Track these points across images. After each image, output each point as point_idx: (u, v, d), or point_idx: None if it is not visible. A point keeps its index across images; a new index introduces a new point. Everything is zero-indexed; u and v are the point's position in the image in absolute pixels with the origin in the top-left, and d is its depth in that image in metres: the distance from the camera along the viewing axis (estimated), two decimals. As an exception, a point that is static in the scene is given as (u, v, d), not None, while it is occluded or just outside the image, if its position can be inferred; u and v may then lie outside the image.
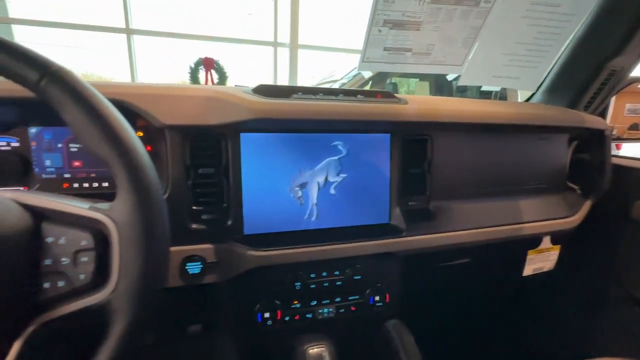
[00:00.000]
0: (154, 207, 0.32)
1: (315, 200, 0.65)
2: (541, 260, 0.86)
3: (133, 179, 0.32)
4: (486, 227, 0.72)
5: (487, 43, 0.86)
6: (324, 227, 0.66)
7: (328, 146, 0.65)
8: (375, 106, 0.61)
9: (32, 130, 0.61)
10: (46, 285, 0.31)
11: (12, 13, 3.72)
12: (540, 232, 0.78)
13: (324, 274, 0.64)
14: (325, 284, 0.64)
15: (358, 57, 0.80)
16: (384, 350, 0.65)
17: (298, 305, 0.64)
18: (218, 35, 4.19)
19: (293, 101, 0.57)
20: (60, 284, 0.31)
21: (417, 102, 0.65)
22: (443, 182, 0.71)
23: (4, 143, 0.60)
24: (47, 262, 0.31)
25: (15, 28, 3.71)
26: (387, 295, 0.67)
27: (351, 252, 0.63)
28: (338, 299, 0.66)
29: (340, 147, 0.65)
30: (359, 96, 0.63)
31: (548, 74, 0.94)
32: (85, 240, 0.31)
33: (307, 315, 0.64)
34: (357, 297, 0.67)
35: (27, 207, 0.31)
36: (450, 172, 0.71)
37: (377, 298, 0.67)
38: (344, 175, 0.66)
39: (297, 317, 0.64)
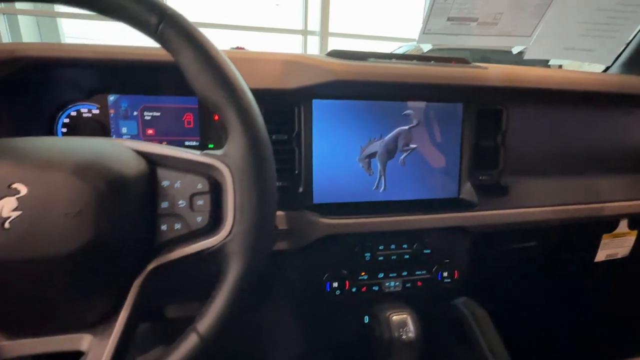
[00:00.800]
0: (265, 149, 0.32)
1: (383, 171, 0.63)
2: (616, 246, 0.80)
3: (246, 122, 0.31)
4: (562, 206, 0.68)
5: (561, 10, 0.80)
6: (392, 199, 0.64)
7: (399, 115, 0.63)
8: (454, 70, 0.58)
9: (111, 98, 0.63)
10: (163, 227, 0.31)
11: None
12: (619, 213, 0.73)
13: (393, 246, 0.63)
14: (393, 257, 0.63)
15: (389, 44, 0.76)
16: (453, 326, 0.63)
17: (365, 277, 0.63)
18: (249, 24, 4.21)
19: (370, 63, 0.55)
20: (177, 226, 0.31)
21: (497, 67, 0.61)
22: (517, 156, 0.67)
23: (86, 110, 0.62)
24: (164, 205, 0.31)
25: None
26: (456, 272, 0.65)
27: (421, 225, 0.61)
28: (405, 273, 0.65)
29: (411, 117, 0.63)
30: (432, 62, 0.61)
31: (627, 45, 0.87)
32: (200, 184, 0.31)
33: (374, 288, 0.63)
34: (424, 272, 0.65)
35: (141, 153, 0.32)
36: (525, 146, 0.67)
37: (445, 274, 0.65)
38: (414, 146, 0.64)
39: (364, 289, 0.63)
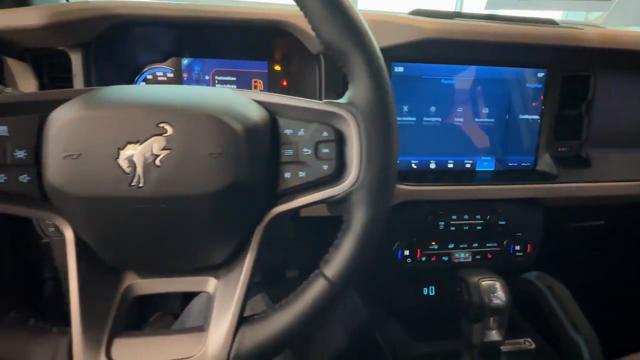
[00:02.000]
0: (391, 95, 0.31)
1: (459, 138, 0.61)
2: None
3: (373, 68, 0.30)
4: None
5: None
6: (466, 168, 0.63)
7: (479, 80, 0.60)
8: (547, 30, 0.54)
9: (185, 61, 0.63)
10: (287, 175, 0.31)
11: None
12: None
13: (465, 216, 0.61)
14: (465, 228, 0.62)
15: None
16: (524, 300, 0.62)
17: (435, 247, 0.62)
18: None
19: (458, 21, 0.52)
20: (302, 174, 0.31)
21: (591, 28, 0.57)
22: (601, 127, 0.63)
23: (161, 73, 0.63)
24: (288, 153, 0.31)
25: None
26: (529, 246, 0.63)
27: (497, 195, 0.59)
28: (476, 245, 0.63)
29: (490, 82, 0.60)
30: (520, 22, 0.57)
31: None
32: (325, 132, 0.31)
33: (444, 258, 0.63)
34: (494, 244, 0.64)
35: (261, 103, 0.31)
36: (611, 116, 0.63)
37: (517, 247, 0.63)
38: (491, 113, 0.61)
39: (433, 259, 0.62)
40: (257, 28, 0.55)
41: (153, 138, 0.26)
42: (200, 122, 0.27)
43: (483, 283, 0.44)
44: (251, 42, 0.61)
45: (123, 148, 0.26)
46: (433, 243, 0.62)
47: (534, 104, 0.62)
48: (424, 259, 0.62)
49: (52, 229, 0.55)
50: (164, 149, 0.26)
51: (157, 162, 0.26)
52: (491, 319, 0.44)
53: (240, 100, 0.30)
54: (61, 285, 0.73)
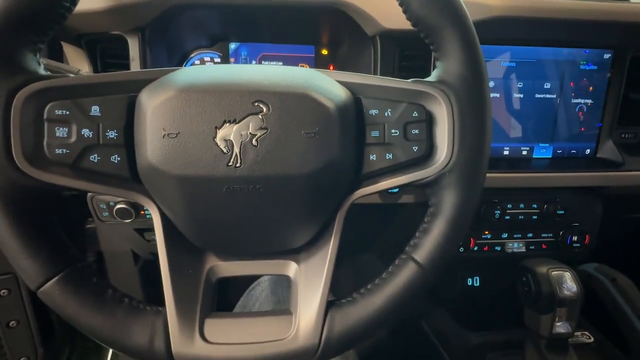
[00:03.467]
0: (485, 73, 0.29)
1: (516, 123, 0.59)
2: None
3: (468, 44, 0.29)
4: None
5: None
6: (522, 155, 0.60)
7: (538, 63, 0.57)
8: (622, 5, 0.51)
9: (232, 45, 0.62)
10: (372, 157, 0.30)
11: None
12: None
13: (521, 205, 0.59)
14: (520, 217, 0.59)
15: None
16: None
17: (489, 236, 0.60)
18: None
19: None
20: (388, 156, 0.30)
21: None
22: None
23: (209, 58, 0.62)
24: (374, 134, 0.30)
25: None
26: (587, 237, 0.61)
27: (557, 183, 0.57)
28: (530, 235, 0.61)
29: (550, 65, 0.57)
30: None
31: None
32: (415, 112, 0.29)
33: (496, 248, 0.61)
34: (550, 234, 0.61)
35: (344, 83, 0.30)
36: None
37: (574, 238, 0.61)
38: (550, 97, 0.58)
39: (485, 249, 0.61)
40: (307, 9, 0.54)
41: (250, 117, 0.25)
42: (295, 100, 0.26)
43: (553, 273, 0.42)
44: (298, 25, 0.59)
45: (221, 127, 0.25)
46: (486, 232, 0.60)
47: (593, 87, 0.59)
48: (476, 248, 0.60)
49: (107, 213, 0.56)
50: (260, 128, 0.25)
51: (254, 141, 0.25)
52: (560, 309, 0.42)
53: (326, 79, 0.29)
54: (105, 271, 0.74)
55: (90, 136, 0.26)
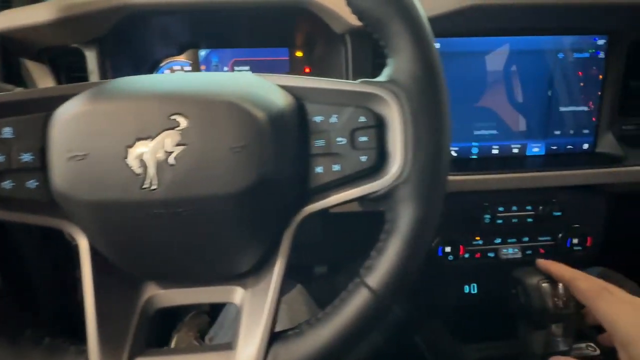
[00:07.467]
0: (440, 69, 0.26)
1: (504, 119, 0.55)
2: None
3: (419, 37, 0.25)
4: None
5: None
6: (513, 153, 0.56)
7: (526, 53, 0.53)
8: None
9: (202, 53, 0.60)
10: (318, 169, 0.27)
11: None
12: None
13: (514, 208, 0.55)
14: (514, 220, 0.55)
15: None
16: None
17: (480, 242, 0.56)
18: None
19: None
20: (336, 167, 0.26)
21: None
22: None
23: (179, 67, 0.60)
24: (319, 143, 0.27)
25: None
26: (589, 239, 0.56)
27: (553, 182, 0.53)
28: (526, 239, 0.57)
29: (539, 55, 0.53)
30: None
31: None
32: (363, 117, 0.26)
33: (489, 254, 0.57)
34: (548, 238, 0.57)
35: (286, 88, 0.27)
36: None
37: (575, 241, 0.56)
38: (541, 89, 0.54)
39: (477, 255, 0.57)
40: (276, 10, 0.51)
41: (165, 133, 0.23)
42: (218, 111, 0.23)
43: (544, 285, 0.38)
44: (270, 28, 0.57)
45: (132, 146, 0.22)
46: (477, 238, 0.56)
47: (592, 76, 0.54)
48: (467, 255, 0.56)
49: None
50: (178, 144, 0.23)
51: (172, 160, 0.22)
52: (556, 325, 0.38)
53: (262, 85, 0.26)
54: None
55: (2, 160, 0.24)
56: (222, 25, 0.56)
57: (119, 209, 0.23)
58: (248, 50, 0.60)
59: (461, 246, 0.55)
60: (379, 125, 0.26)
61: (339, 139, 0.26)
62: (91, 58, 0.48)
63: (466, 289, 0.66)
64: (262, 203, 0.24)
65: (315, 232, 0.69)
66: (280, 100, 0.26)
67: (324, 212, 0.28)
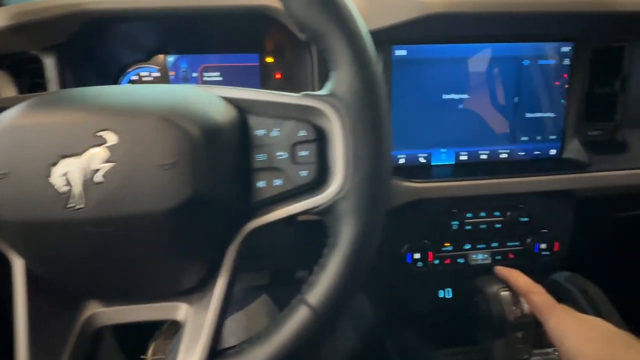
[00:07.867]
0: (379, 83, 0.26)
1: (472, 126, 0.55)
2: None
3: (358, 51, 0.25)
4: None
5: None
6: (481, 160, 0.56)
7: (492, 60, 0.53)
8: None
9: (170, 59, 0.59)
10: (260, 184, 0.27)
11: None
12: None
13: (482, 214, 0.55)
14: (482, 226, 0.55)
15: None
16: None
17: (449, 248, 0.56)
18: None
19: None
20: (277, 182, 0.26)
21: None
22: (637, 106, 0.55)
23: (147, 73, 0.59)
24: (260, 157, 0.26)
25: None
26: (556, 244, 0.56)
27: (520, 189, 0.53)
28: (495, 244, 0.57)
29: (506, 61, 0.53)
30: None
31: None
32: (303, 130, 0.26)
33: (459, 260, 0.57)
34: (517, 243, 0.57)
35: (229, 100, 0.27)
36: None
37: (542, 246, 0.56)
38: (508, 95, 0.54)
39: (447, 261, 0.57)
40: (243, 16, 0.50)
41: (92, 150, 0.22)
42: (147, 127, 0.22)
43: (503, 293, 0.38)
44: (239, 33, 0.56)
45: (56, 163, 0.22)
46: (447, 244, 0.56)
47: (557, 82, 0.55)
48: (436, 262, 0.56)
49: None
50: (107, 161, 0.22)
51: (99, 177, 0.22)
52: (515, 333, 0.39)
53: (200, 98, 0.25)
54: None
55: None
56: (191, 31, 0.55)
57: (45, 229, 0.22)
58: (218, 56, 0.60)
59: (430, 252, 0.55)
60: (320, 140, 0.26)
61: (279, 153, 0.26)
62: (50, 65, 0.47)
63: (441, 293, 0.66)
64: (199, 219, 0.24)
65: (298, 236, 0.68)
66: (220, 113, 0.25)
67: (271, 225, 0.28)
